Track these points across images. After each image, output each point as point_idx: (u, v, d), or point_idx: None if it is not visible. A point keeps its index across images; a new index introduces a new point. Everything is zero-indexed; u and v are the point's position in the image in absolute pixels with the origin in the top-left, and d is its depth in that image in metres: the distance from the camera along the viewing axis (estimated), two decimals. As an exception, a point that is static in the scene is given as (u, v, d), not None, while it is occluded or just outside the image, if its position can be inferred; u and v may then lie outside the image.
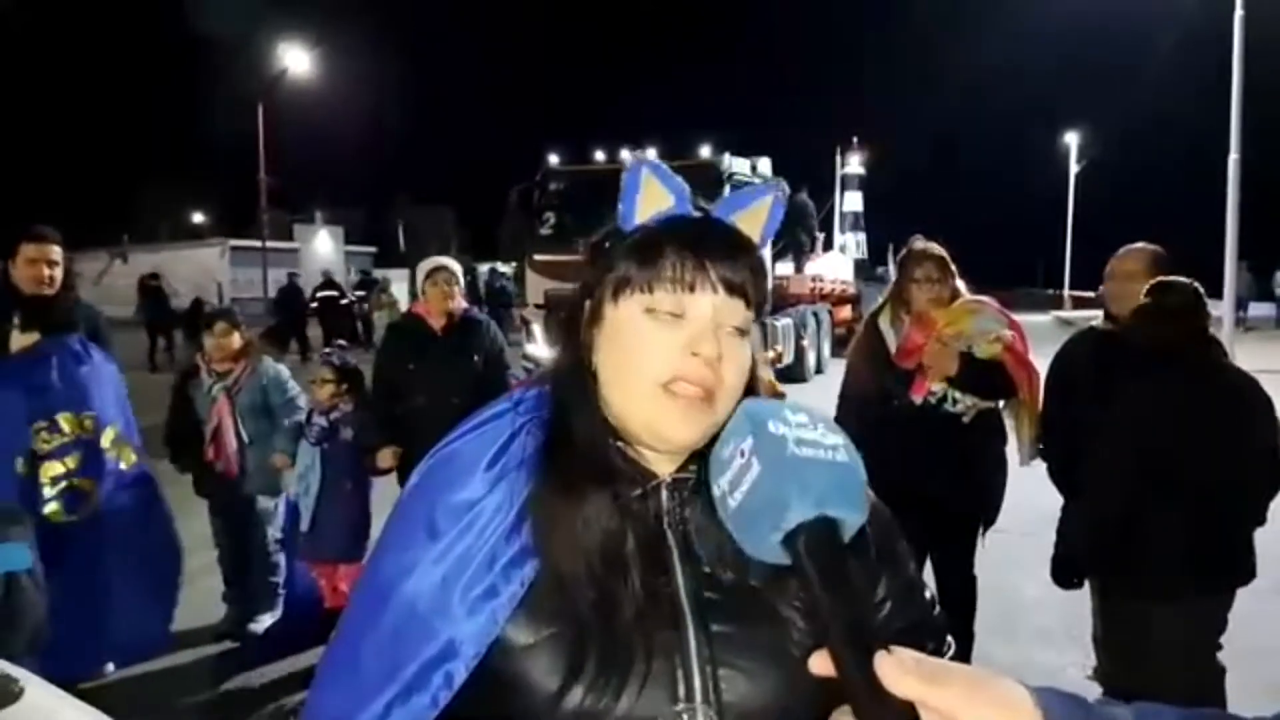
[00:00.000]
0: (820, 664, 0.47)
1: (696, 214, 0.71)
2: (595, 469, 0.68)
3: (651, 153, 9.60)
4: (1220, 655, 2.22)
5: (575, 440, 0.69)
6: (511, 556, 0.66)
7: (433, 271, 3.45)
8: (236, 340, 3.37)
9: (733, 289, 0.67)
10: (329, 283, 15.31)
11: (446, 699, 0.64)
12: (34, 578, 1.83)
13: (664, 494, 0.70)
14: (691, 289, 0.67)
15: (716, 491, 0.55)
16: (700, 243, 0.68)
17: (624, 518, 0.67)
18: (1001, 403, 2.77)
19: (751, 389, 0.71)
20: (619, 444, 0.70)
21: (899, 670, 0.44)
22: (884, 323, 2.81)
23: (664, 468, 0.70)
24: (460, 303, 3.49)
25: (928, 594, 0.80)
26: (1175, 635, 2.11)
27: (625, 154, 9.60)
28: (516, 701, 0.65)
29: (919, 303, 2.70)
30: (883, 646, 0.46)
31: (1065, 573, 2.32)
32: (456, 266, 3.54)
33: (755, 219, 0.71)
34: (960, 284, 2.78)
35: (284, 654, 3.23)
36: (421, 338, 3.46)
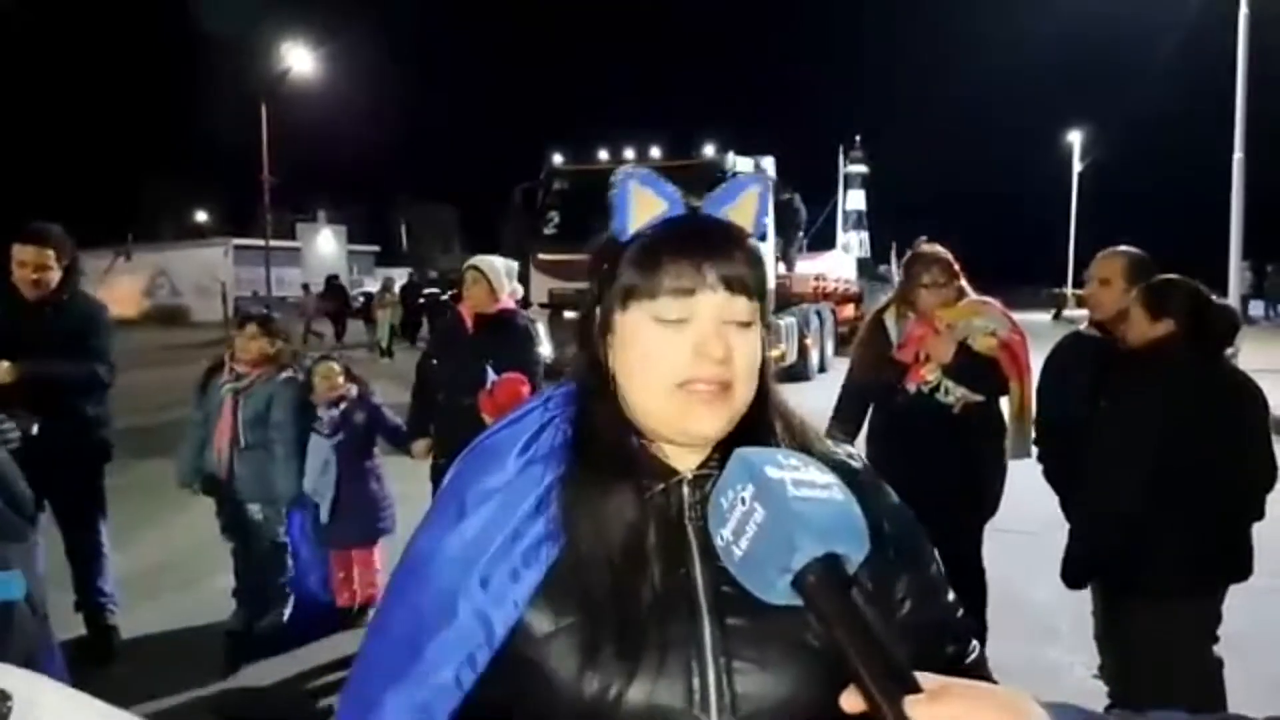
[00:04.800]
0: (850, 701, 0.50)
1: (688, 214, 0.73)
2: (619, 462, 0.70)
3: (655, 152, 9.59)
4: (1224, 651, 2.23)
5: (599, 435, 0.71)
6: (533, 541, 0.68)
7: (464, 270, 3.49)
8: (263, 345, 3.33)
9: (732, 285, 0.69)
10: (431, 281, 19.19)
11: (470, 680, 0.66)
12: (31, 602, 1.80)
13: (685, 489, 0.71)
14: (692, 293, 0.69)
15: (720, 541, 0.56)
16: (695, 245, 0.69)
17: (646, 511, 0.69)
18: (1003, 400, 2.82)
19: (764, 377, 0.73)
20: (641, 441, 0.72)
21: (930, 710, 0.47)
22: (889, 320, 2.92)
23: (685, 463, 0.72)
24: (501, 301, 3.45)
25: (950, 595, 0.80)
26: (1174, 633, 2.12)
27: (629, 153, 9.61)
28: (537, 687, 0.66)
29: (925, 304, 2.80)
30: (910, 681, 0.48)
31: (1074, 574, 2.33)
32: (490, 265, 3.45)
33: (745, 210, 0.73)
34: (965, 285, 2.85)
35: (292, 652, 3.25)
36: (453, 335, 3.52)
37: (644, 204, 0.72)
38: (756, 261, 0.71)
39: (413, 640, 0.68)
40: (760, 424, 0.73)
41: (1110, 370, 2.26)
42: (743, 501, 0.55)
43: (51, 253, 2.99)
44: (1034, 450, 2.77)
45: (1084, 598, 2.53)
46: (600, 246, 0.75)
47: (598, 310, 0.74)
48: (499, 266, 3.47)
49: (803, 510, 0.52)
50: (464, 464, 0.76)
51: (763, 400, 0.74)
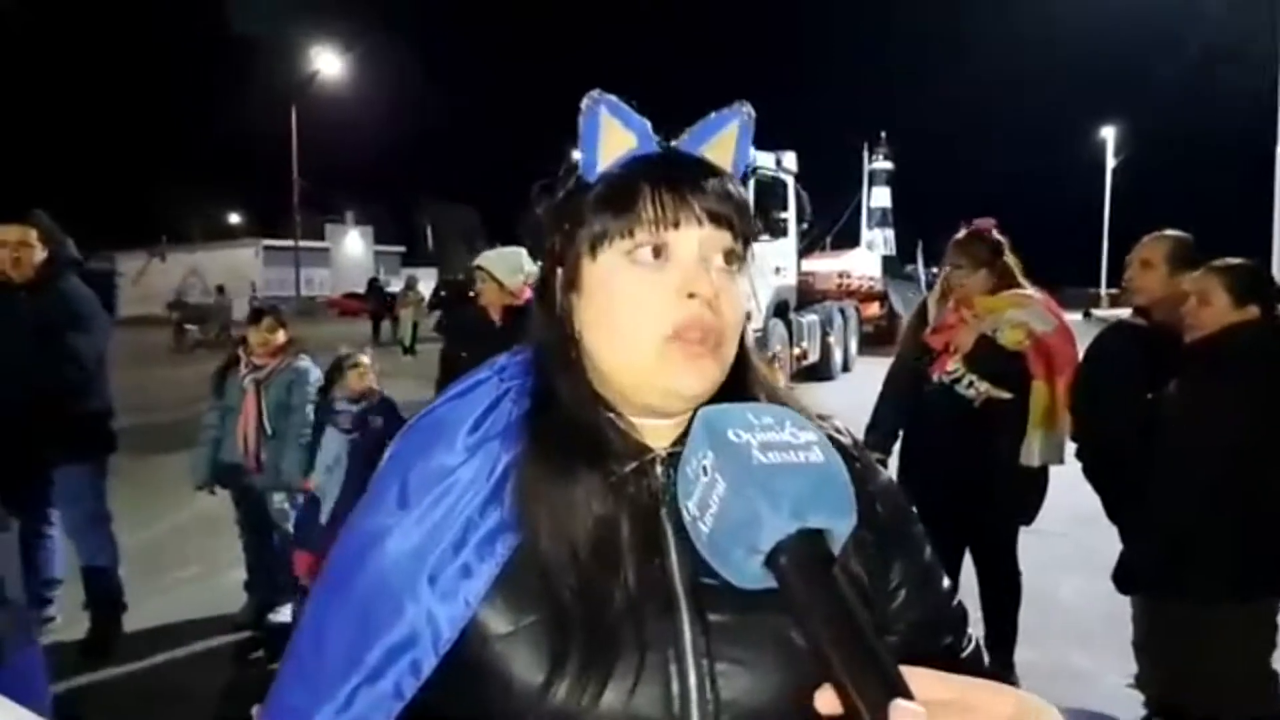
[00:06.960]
0: (826, 701, 0.42)
1: (663, 149, 0.66)
2: (584, 442, 0.62)
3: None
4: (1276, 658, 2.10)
5: (561, 409, 0.63)
6: (487, 532, 0.60)
7: (474, 270, 3.58)
8: (281, 336, 3.44)
9: (718, 219, 0.62)
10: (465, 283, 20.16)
11: (413, 688, 0.59)
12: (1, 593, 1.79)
13: (658, 469, 0.63)
14: (675, 225, 0.61)
15: (687, 517, 0.48)
16: (677, 176, 0.63)
17: (617, 501, 0.61)
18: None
19: (740, 338, 0.65)
20: (609, 414, 0.65)
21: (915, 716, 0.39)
22: (932, 303, 2.94)
23: (658, 440, 0.64)
24: (521, 291, 3.48)
25: (945, 582, 0.73)
26: (1226, 640, 2.01)
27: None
28: (494, 695, 0.58)
29: (951, 285, 2.82)
30: (898, 684, 0.40)
31: (1131, 578, 2.22)
32: (494, 262, 3.49)
33: (724, 149, 0.66)
34: (1018, 275, 2.74)
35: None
36: (480, 327, 3.58)
37: (613, 137, 0.64)
38: (742, 200, 0.64)
39: (348, 643, 0.60)
40: (740, 390, 0.65)
41: (1175, 359, 2.12)
42: (704, 471, 0.46)
43: (34, 232, 2.98)
44: (1069, 449, 2.63)
45: (1117, 601, 2.40)
46: (558, 193, 0.66)
47: (559, 269, 0.66)
48: (508, 259, 3.49)
49: (770, 480, 0.43)
50: (405, 441, 0.67)
51: (742, 364, 0.66)
